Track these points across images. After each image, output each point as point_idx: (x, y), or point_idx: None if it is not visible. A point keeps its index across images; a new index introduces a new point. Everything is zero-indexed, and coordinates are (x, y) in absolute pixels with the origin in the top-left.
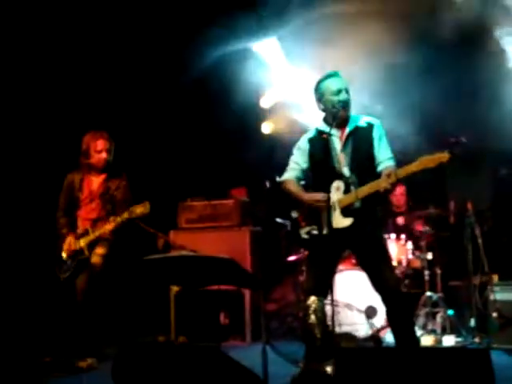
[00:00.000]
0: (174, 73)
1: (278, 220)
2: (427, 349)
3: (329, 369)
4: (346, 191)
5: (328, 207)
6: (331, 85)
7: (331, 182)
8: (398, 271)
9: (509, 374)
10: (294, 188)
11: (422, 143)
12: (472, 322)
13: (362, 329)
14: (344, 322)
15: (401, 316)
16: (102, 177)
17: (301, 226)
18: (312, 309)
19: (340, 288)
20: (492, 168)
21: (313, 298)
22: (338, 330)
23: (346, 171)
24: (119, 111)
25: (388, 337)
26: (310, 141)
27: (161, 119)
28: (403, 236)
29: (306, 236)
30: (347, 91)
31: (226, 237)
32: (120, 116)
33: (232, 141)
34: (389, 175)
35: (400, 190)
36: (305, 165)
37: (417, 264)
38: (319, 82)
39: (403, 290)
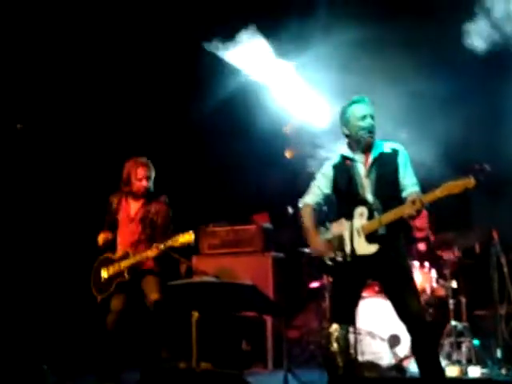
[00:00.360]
0: (198, 99)
1: (301, 249)
2: (452, 380)
3: None
4: (370, 217)
5: (351, 234)
6: (357, 110)
7: (355, 208)
8: (421, 299)
9: None
10: (309, 222)
11: (446, 171)
12: (498, 353)
13: (385, 358)
14: (367, 351)
15: (425, 346)
16: (141, 201)
17: (325, 253)
18: (334, 337)
19: (363, 316)
20: None
21: (335, 326)
22: (360, 358)
23: (369, 197)
24: (150, 137)
25: (412, 366)
26: (335, 167)
27: (184, 145)
28: (427, 263)
29: (330, 262)
30: (372, 117)
31: (249, 263)
32: (149, 141)
33: (255, 166)
34: (414, 201)
35: (423, 212)
36: (327, 190)
37: (441, 292)
38: (345, 107)
39: (427, 319)
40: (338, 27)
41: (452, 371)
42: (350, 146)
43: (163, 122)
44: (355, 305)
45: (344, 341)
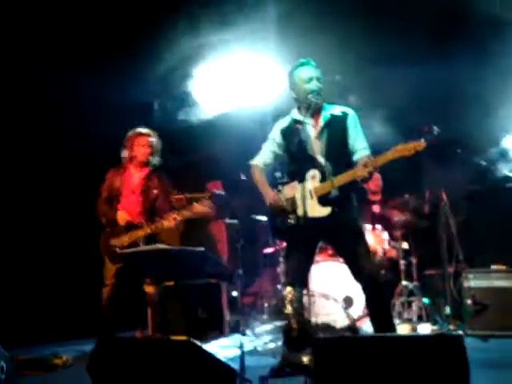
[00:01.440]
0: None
1: (255, 216)
2: (402, 337)
3: (306, 359)
4: (322, 180)
5: (303, 197)
6: (303, 73)
7: (307, 171)
8: (374, 260)
9: (482, 359)
10: (259, 178)
11: (395, 135)
12: (447, 310)
13: (339, 319)
14: (321, 313)
15: (378, 303)
16: (144, 173)
17: (277, 216)
18: (288, 299)
19: (317, 279)
20: (466, 159)
21: (289, 289)
22: (315, 320)
23: (321, 159)
24: None
25: (365, 326)
26: (284, 130)
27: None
28: (379, 226)
29: (280, 226)
30: (319, 79)
31: (203, 230)
32: None
33: (205, 136)
34: (365, 164)
35: (376, 175)
36: (277, 152)
37: (393, 254)
38: (291, 71)
39: (380, 279)
40: None
41: (403, 329)
42: (299, 109)
43: None
44: (309, 267)
45: (298, 303)
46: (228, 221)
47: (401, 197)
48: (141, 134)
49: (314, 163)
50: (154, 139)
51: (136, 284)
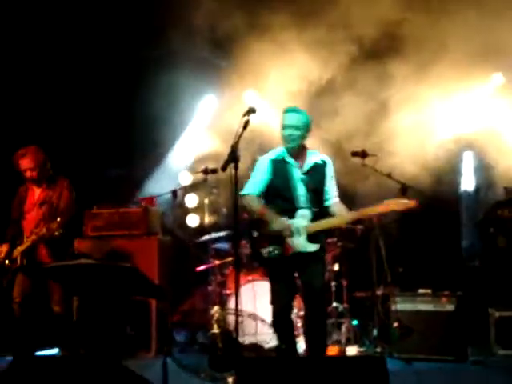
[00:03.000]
0: None
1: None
2: (328, 358)
3: (230, 379)
4: (313, 220)
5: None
6: (283, 120)
7: (297, 209)
8: None
9: (403, 380)
10: (258, 206)
11: None
12: (375, 332)
13: (268, 339)
14: (250, 333)
15: (320, 331)
16: (43, 187)
17: (262, 246)
18: (215, 319)
19: (248, 298)
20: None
21: (216, 308)
22: (243, 340)
23: (306, 201)
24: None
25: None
26: (273, 162)
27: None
28: None
29: (266, 255)
30: (296, 127)
31: (134, 246)
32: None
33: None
34: (355, 214)
35: None
36: (264, 183)
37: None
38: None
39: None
40: None
41: (332, 350)
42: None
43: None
44: (293, 296)
45: (224, 323)
46: (160, 237)
47: None
48: (20, 158)
49: (302, 203)
50: (34, 159)
51: (44, 302)
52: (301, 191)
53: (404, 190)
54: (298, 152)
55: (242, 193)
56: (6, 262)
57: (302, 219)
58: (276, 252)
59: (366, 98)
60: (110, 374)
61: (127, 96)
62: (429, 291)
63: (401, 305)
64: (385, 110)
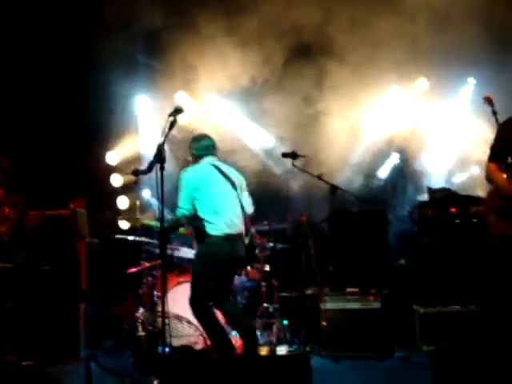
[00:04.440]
0: None
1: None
2: (258, 357)
3: (155, 382)
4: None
5: None
6: None
7: None
8: (237, 282)
9: (330, 378)
10: None
11: None
12: (304, 332)
13: (198, 341)
14: (176, 334)
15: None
16: (0, 191)
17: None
18: (140, 321)
19: (179, 300)
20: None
21: (141, 310)
22: (171, 341)
23: None
24: None
25: None
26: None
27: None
28: None
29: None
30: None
31: (61, 249)
32: None
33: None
34: None
35: None
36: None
37: (255, 275)
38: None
39: (242, 302)
40: None
41: (262, 351)
42: None
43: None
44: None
45: (150, 325)
46: (88, 240)
47: (263, 220)
48: None
49: None
50: None
51: None
52: None
53: (333, 191)
54: None
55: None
56: None
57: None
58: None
59: (297, 98)
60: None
61: (59, 96)
62: (356, 290)
63: (329, 304)
64: (316, 111)
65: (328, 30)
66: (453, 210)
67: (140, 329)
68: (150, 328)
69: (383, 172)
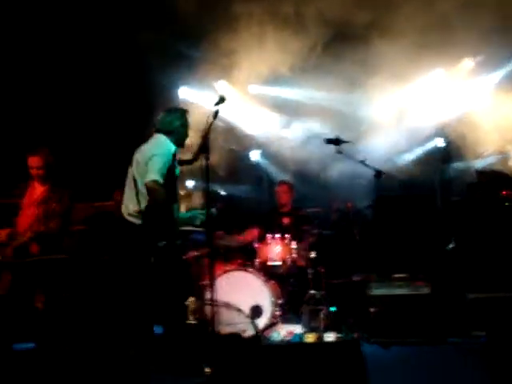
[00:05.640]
0: None
1: None
2: (306, 344)
3: (208, 369)
4: None
5: None
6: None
7: (174, 203)
8: (282, 270)
9: (381, 365)
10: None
11: None
12: (352, 318)
13: (246, 328)
14: (226, 323)
15: None
16: (46, 187)
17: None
18: (190, 309)
19: (225, 288)
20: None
21: (191, 299)
22: (222, 330)
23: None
24: None
25: (274, 335)
26: (173, 158)
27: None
28: (288, 235)
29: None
30: None
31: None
32: None
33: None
34: None
35: (283, 188)
36: None
37: (301, 263)
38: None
39: (289, 289)
40: None
41: (309, 337)
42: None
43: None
44: None
45: (201, 313)
46: None
47: (309, 207)
48: (30, 156)
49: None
50: (43, 159)
51: (27, 297)
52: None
53: (378, 176)
54: None
55: (160, 181)
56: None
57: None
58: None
59: (339, 84)
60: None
61: (103, 89)
62: (404, 275)
63: (377, 290)
64: (359, 97)
65: (370, 13)
66: (503, 192)
67: (191, 317)
68: (199, 316)
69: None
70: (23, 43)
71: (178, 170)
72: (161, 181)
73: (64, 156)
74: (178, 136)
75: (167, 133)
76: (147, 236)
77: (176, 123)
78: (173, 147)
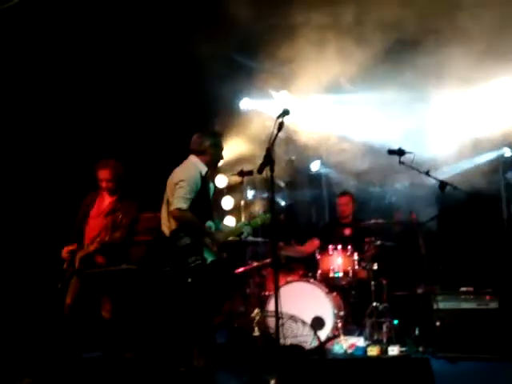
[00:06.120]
0: None
1: None
2: (370, 359)
3: (272, 381)
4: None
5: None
6: (222, 142)
7: (207, 220)
8: (344, 282)
9: (449, 380)
10: (197, 221)
11: None
12: (416, 332)
13: (308, 340)
14: (290, 335)
15: None
16: (114, 198)
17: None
18: (255, 321)
19: (287, 299)
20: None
21: (256, 311)
22: (283, 342)
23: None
24: None
25: (336, 348)
26: (202, 178)
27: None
28: (349, 247)
29: (193, 264)
30: None
31: None
32: None
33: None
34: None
35: (345, 199)
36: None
37: (363, 275)
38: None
39: (351, 301)
40: None
41: (372, 350)
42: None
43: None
44: None
45: (265, 325)
46: None
47: (371, 219)
48: (100, 168)
49: (210, 215)
50: (113, 172)
51: (94, 306)
52: (211, 204)
53: (443, 187)
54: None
55: (183, 207)
56: (65, 265)
57: (212, 230)
58: (199, 261)
59: (401, 92)
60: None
61: (158, 101)
62: (471, 289)
63: (443, 303)
64: (422, 106)
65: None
66: None
67: (256, 329)
68: (264, 328)
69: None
70: (92, 56)
71: (211, 187)
72: (184, 207)
73: (129, 166)
74: (210, 157)
75: (198, 153)
76: (180, 255)
77: (206, 143)
78: (204, 168)
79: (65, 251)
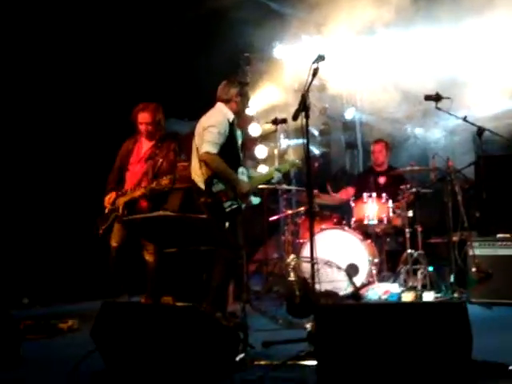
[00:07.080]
0: None
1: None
2: (405, 304)
3: (308, 325)
4: (248, 176)
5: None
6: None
7: (238, 166)
8: (379, 229)
9: (485, 326)
10: (226, 166)
11: None
12: (452, 278)
13: (342, 286)
14: (325, 280)
15: None
16: (152, 143)
17: (223, 201)
18: (291, 267)
19: (322, 246)
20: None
21: (292, 256)
22: (319, 287)
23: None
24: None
25: (370, 294)
26: (230, 125)
27: None
28: (384, 195)
29: (228, 209)
30: None
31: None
32: None
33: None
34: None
35: (379, 146)
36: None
37: (397, 222)
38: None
39: (386, 249)
40: None
41: (407, 297)
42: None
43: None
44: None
45: (300, 270)
46: None
47: (406, 166)
48: (140, 111)
49: (240, 161)
50: (153, 115)
51: (137, 251)
52: (239, 151)
53: (480, 133)
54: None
55: (212, 151)
56: (106, 210)
57: (242, 175)
58: (235, 206)
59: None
60: (196, 321)
61: (191, 50)
62: (508, 235)
63: (479, 250)
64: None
65: None
66: None
67: (291, 274)
68: (300, 273)
69: None
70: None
71: (238, 134)
72: (214, 151)
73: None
74: (236, 105)
75: (225, 101)
76: (216, 201)
77: (233, 92)
78: (231, 116)
79: (107, 201)
